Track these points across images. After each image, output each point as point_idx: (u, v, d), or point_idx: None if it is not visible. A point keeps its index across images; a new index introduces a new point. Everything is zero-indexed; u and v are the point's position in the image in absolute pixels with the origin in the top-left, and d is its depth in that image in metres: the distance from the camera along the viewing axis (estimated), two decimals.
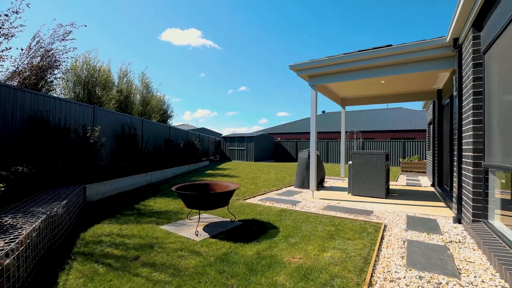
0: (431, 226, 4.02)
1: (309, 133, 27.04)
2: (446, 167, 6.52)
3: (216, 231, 3.62)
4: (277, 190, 7.17)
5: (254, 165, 15.51)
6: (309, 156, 7.57)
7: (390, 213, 4.77)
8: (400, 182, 9.08)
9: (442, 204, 5.54)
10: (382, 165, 6.07)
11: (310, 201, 5.76)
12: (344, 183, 8.49)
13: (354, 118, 27.18)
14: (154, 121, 11.74)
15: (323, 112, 34.79)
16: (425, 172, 11.82)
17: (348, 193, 6.56)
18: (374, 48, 5.17)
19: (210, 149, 20.18)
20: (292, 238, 3.37)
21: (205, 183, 4.28)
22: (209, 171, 11.76)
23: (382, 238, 3.48)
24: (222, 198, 3.66)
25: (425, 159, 15.12)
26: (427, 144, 10.73)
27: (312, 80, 6.22)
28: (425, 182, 9.04)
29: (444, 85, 6.85)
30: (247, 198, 5.95)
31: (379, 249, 3.11)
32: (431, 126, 9.44)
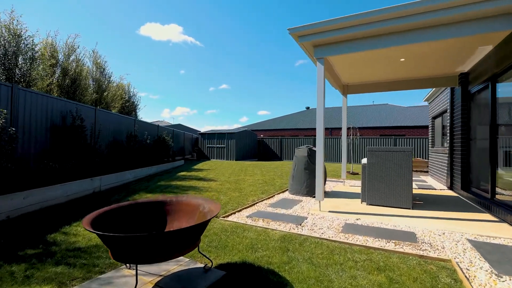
0: None
1: (294, 129, 25.93)
2: (479, 167, 5.23)
3: None
4: (268, 198, 5.50)
5: (235, 165, 13.72)
6: (308, 153, 5.99)
7: (439, 235, 3.29)
8: None
9: (489, 216, 4.18)
10: (409, 166, 4.62)
11: (318, 216, 4.14)
12: (348, 187, 7.03)
13: (339, 114, 26.23)
14: (114, 112, 9.55)
15: (307, 108, 33.66)
16: (426, 172, 10.76)
17: (362, 202, 5.05)
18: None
19: (186, 147, 18.06)
20: None
21: (159, 202, 2.46)
22: (183, 173, 9.83)
23: None
24: (187, 238, 1.89)
25: (426, 158, 14.25)
26: (430, 141, 9.61)
27: (318, 50, 4.60)
28: (434, 184, 7.84)
29: (474, 66, 5.56)
30: (230, 214, 4.21)
31: None
32: (441, 119, 8.26)
